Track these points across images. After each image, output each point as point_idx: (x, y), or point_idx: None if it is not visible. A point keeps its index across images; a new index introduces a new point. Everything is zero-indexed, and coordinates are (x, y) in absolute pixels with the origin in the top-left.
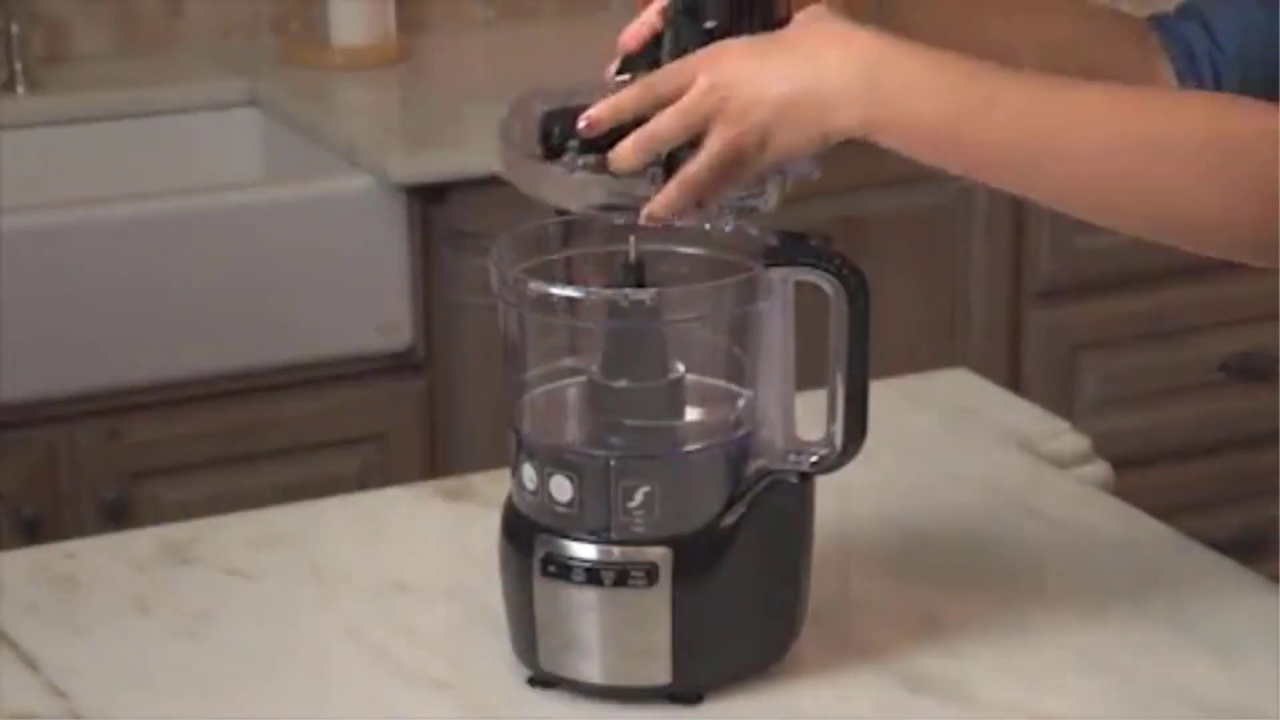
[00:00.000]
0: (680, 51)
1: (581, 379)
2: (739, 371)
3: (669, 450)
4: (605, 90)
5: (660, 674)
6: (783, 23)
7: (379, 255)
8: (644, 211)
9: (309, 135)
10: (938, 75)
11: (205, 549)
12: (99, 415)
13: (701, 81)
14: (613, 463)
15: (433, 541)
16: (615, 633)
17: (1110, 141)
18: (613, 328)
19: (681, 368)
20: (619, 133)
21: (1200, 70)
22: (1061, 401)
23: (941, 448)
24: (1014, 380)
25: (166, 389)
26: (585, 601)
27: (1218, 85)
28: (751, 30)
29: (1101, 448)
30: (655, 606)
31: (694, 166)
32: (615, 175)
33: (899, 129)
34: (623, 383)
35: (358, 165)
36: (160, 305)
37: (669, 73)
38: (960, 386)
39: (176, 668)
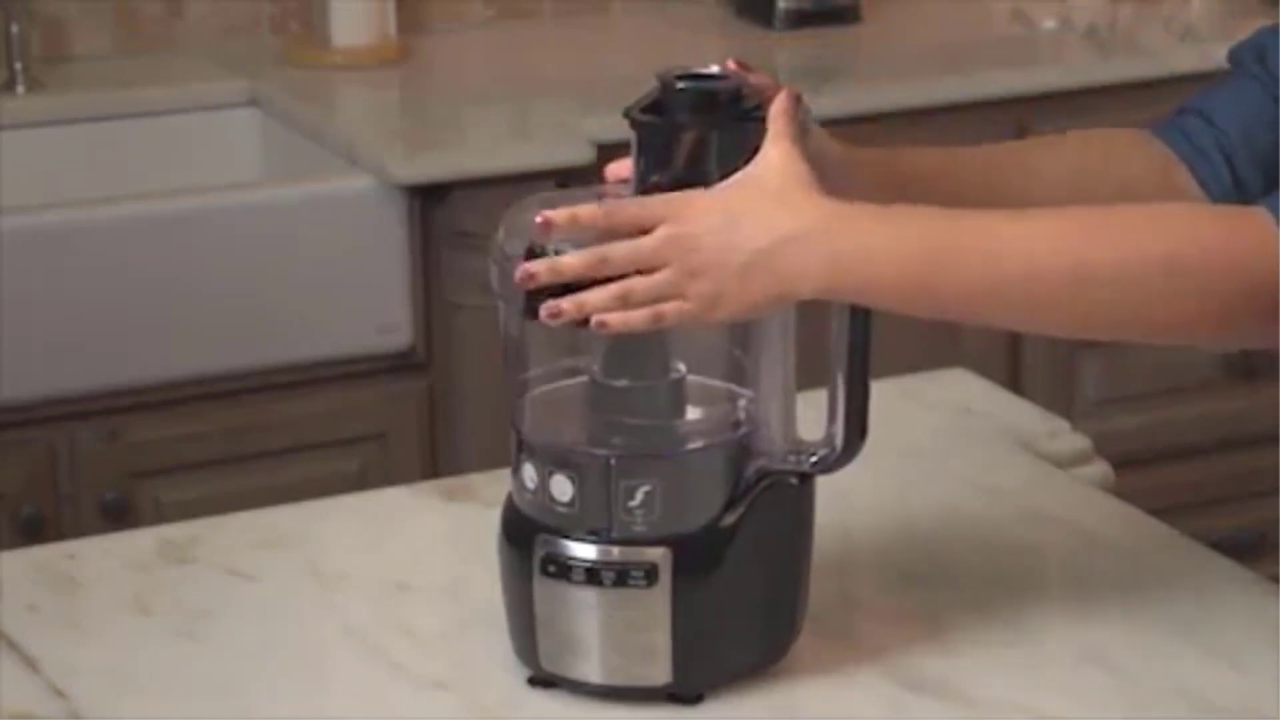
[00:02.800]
0: (646, 153)
1: (582, 378)
2: (740, 371)
3: (669, 450)
4: (604, 195)
5: (660, 674)
6: (748, 115)
7: (379, 255)
8: (578, 298)
9: (309, 135)
10: (895, 234)
11: (205, 549)
12: (99, 415)
13: (662, 231)
14: (613, 462)
15: (433, 541)
16: (615, 633)
17: (1064, 271)
18: None
19: (682, 367)
20: (586, 284)
21: (1211, 159)
22: (1061, 401)
23: (941, 448)
24: (1014, 380)
25: (166, 389)
26: (585, 601)
27: (1231, 167)
28: (715, 125)
29: (1101, 448)
30: (655, 606)
31: (641, 285)
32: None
33: (862, 291)
34: (623, 382)
35: (358, 165)
36: (160, 305)
37: (633, 207)
38: (960, 386)
39: (176, 668)
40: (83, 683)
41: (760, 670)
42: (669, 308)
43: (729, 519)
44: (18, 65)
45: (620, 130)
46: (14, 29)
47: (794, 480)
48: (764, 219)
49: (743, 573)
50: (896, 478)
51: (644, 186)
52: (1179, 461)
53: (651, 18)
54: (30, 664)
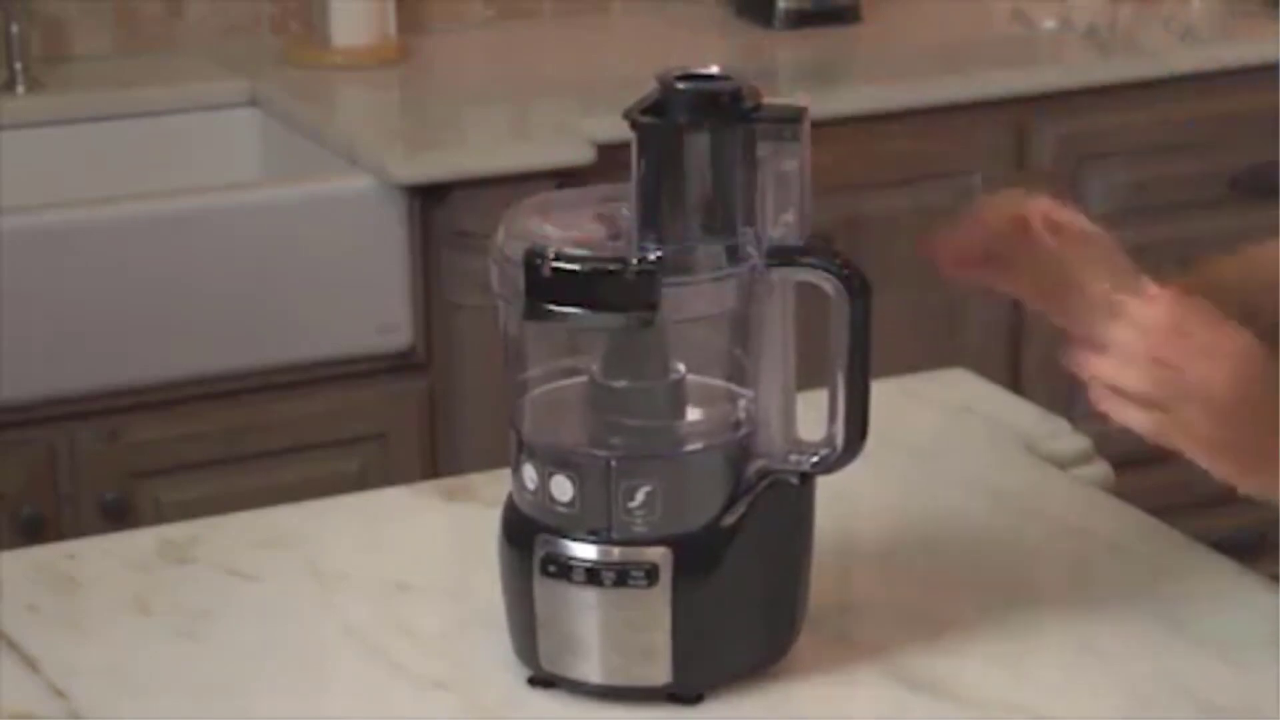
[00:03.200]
0: (648, 154)
1: (582, 379)
2: (740, 372)
3: (670, 450)
4: (606, 200)
5: (660, 674)
6: (746, 116)
7: (379, 255)
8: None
9: (309, 135)
10: None
11: (205, 549)
12: (99, 415)
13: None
14: (613, 463)
15: (433, 541)
16: (615, 633)
17: None
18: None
19: (682, 368)
20: (587, 285)
21: None
22: (1061, 401)
23: (941, 448)
24: (1014, 380)
25: (166, 389)
26: (585, 601)
27: None
28: (717, 122)
29: (1101, 448)
30: (655, 606)
31: (1161, 387)
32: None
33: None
34: (623, 382)
35: (358, 165)
36: (160, 305)
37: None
38: (960, 386)
39: (176, 668)
40: (83, 683)
41: (760, 670)
42: (1153, 423)
43: (729, 519)
44: (18, 65)
45: (620, 130)
46: (14, 29)
47: (794, 480)
48: (1262, 422)
49: (743, 573)
50: (897, 478)
51: None
52: (1179, 461)
53: (651, 18)
54: (30, 664)
